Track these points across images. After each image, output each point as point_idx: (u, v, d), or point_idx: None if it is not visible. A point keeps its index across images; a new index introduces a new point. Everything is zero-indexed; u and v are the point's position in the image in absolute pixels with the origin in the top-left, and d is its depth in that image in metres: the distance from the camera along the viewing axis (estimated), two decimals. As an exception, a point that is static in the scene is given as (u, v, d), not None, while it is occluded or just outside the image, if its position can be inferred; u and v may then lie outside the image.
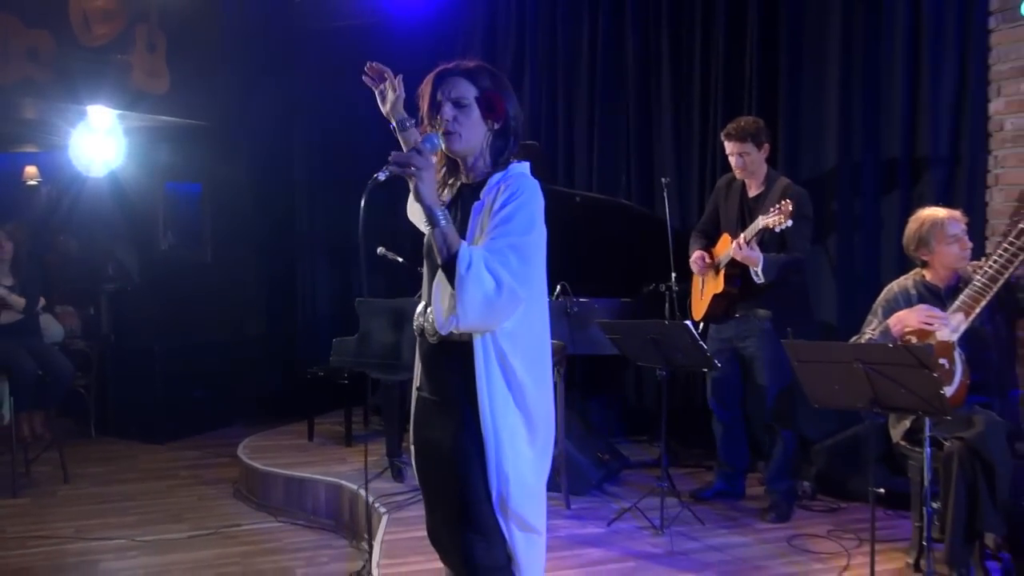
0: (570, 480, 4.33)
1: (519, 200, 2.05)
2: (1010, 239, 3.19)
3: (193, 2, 6.37)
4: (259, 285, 7.18)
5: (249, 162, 6.85)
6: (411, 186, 2.01)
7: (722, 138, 4.17)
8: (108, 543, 4.41)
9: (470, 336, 2.07)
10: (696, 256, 4.25)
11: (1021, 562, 3.19)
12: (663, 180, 4.70)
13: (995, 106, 4.43)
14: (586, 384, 5.52)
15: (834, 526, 4.01)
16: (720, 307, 4.16)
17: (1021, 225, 3.17)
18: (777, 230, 3.76)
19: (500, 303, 1.96)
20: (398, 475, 4.63)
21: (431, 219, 2.00)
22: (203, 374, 6.70)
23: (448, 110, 2.11)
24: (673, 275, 4.51)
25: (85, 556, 4.26)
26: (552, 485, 4.21)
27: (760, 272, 3.86)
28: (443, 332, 2.09)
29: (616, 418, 5.62)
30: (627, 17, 5.70)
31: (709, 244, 4.29)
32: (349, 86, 6.41)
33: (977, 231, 4.17)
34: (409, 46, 6.21)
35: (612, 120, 5.85)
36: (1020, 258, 3.17)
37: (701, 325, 4.23)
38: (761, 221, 3.79)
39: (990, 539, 3.33)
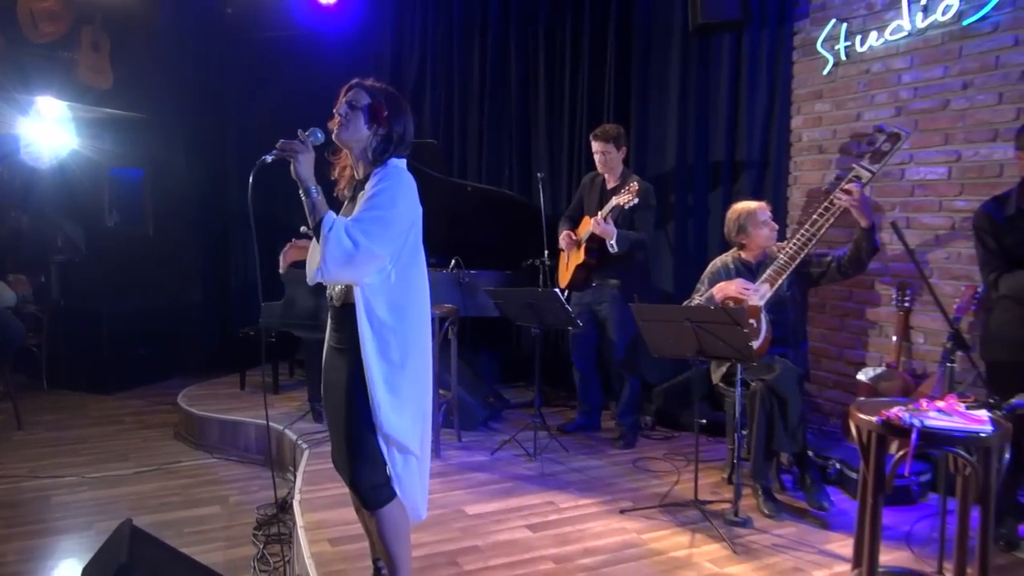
0: (461, 418, 4.34)
1: (385, 183, 2.16)
2: (805, 227, 3.35)
3: (135, 7, 5.96)
4: (196, 256, 6.86)
5: (186, 150, 6.51)
6: (291, 165, 2.12)
7: (590, 138, 4.21)
8: (60, 480, 4.16)
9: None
10: (563, 235, 4.31)
11: (803, 472, 3.38)
12: (539, 175, 4.72)
13: (795, 122, 4.64)
14: (476, 340, 5.53)
15: (669, 451, 4.15)
16: (581, 277, 4.23)
17: (814, 216, 3.34)
18: (627, 207, 3.87)
19: (358, 259, 2.07)
20: (318, 417, 4.53)
21: (305, 191, 2.12)
22: (145, 334, 6.36)
23: (343, 107, 2.22)
24: (546, 252, 4.55)
25: (39, 492, 4.00)
26: (447, 422, 4.28)
27: (614, 243, 3.95)
28: (311, 283, 2.23)
29: (500, 368, 5.65)
30: (511, 44, 5.66)
31: (574, 226, 4.36)
32: (273, 86, 6.20)
33: (780, 220, 4.38)
34: (325, 59, 6.01)
35: (497, 125, 5.81)
36: (813, 242, 3.34)
37: (566, 292, 4.30)
38: (614, 200, 3.91)
39: (784, 457, 3.53)
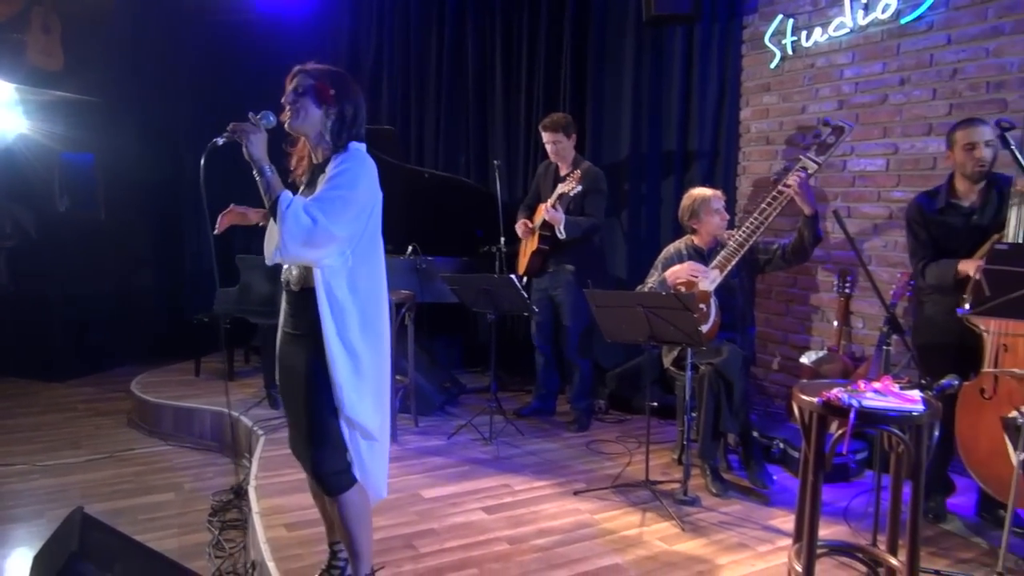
0: (418, 403, 4.32)
1: (345, 165, 2.10)
2: (754, 215, 3.39)
3: (86, -10, 5.75)
4: (149, 241, 6.66)
5: (139, 134, 6.29)
6: (243, 147, 2.06)
7: (540, 129, 4.21)
8: (11, 468, 4.02)
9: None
10: (520, 223, 4.30)
11: (748, 452, 3.44)
12: (495, 162, 4.70)
13: (744, 114, 4.69)
14: (433, 326, 5.51)
15: (621, 433, 4.20)
16: (537, 263, 4.24)
17: (762, 205, 3.39)
18: (571, 194, 3.89)
19: (316, 237, 2.01)
20: (274, 403, 4.46)
21: (259, 171, 2.06)
22: (98, 320, 6.17)
23: (290, 96, 2.15)
24: (502, 239, 4.54)
25: (-12, 481, 3.88)
26: (404, 408, 4.25)
27: (562, 229, 3.96)
28: (269, 263, 2.14)
29: (456, 353, 5.64)
30: (468, 32, 5.61)
31: (532, 215, 4.35)
32: (229, 71, 6.04)
33: (729, 208, 4.42)
34: (281, 45, 5.86)
35: (455, 113, 5.77)
36: (761, 229, 3.39)
37: (525, 279, 4.30)
38: (559, 188, 3.91)
39: (731, 438, 3.60)
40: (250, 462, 3.72)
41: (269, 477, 3.42)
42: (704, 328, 3.30)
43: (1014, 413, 2.50)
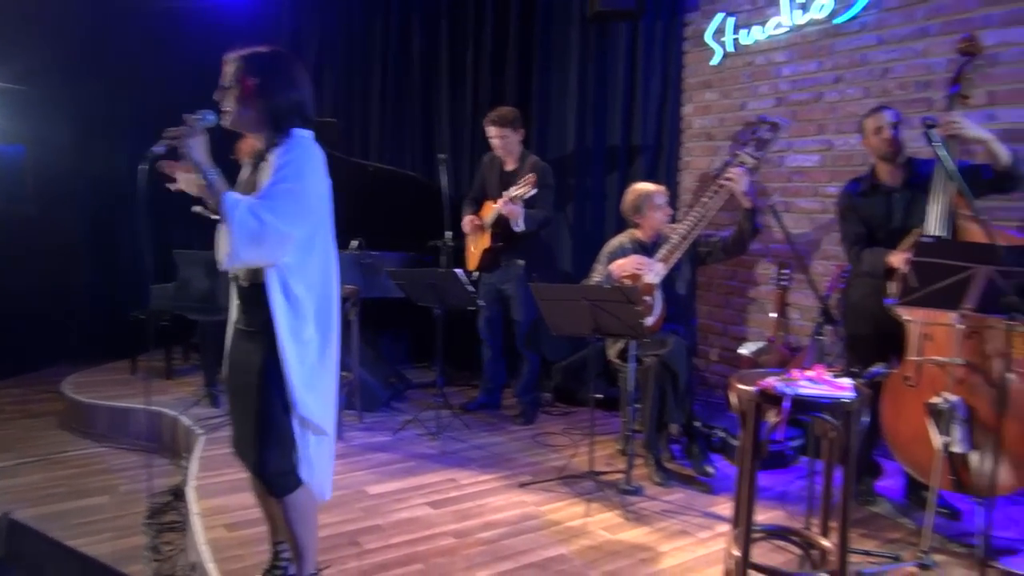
0: (363, 400, 4.28)
1: (290, 156, 2.01)
2: (696, 208, 3.46)
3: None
4: (83, 237, 6.39)
5: (72, 125, 6.04)
6: (182, 152, 1.96)
7: (486, 124, 4.19)
8: (-69, 475, 3.85)
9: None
10: (466, 220, 4.28)
11: (690, 441, 3.51)
12: (440, 156, 4.67)
13: (686, 109, 4.78)
14: (379, 322, 5.44)
15: (567, 425, 4.24)
16: (489, 259, 4.23)
17: (703, 199, 3.45)
18: (526, 197, 3.89)
19: (265, 239, 1.93)
20: (214, 402, 4.36)
21: (203, 175, 1.96)
22: (28, 318, 5.91)
23: (218, 93, 2.06)
24: (448, 233, 4.51)
25: (-94, 488, 3.68)
26: (349, 404, 4.20)
27: (520, 223, 3.96)
28: (223, 268, 2.03)
29: (403, 349, 5.60)
30: (413, 25, 5.57)
31: (477, 210, 4.34)
32: (168, 58, 5.85)
33: (672, 203, 4.49)
34: (221, 33, 5.70)
35: (400, 106, 5.72)
36: (703, 223, 3.45)
37: (475, 274, 4.29)
38: (513, 191, 3.90)
39: (674, 428, 3.66)
40: (189, 462, 3.63)
41: (209, 477, 3.34)
42: (650, 320, 3.35)
43: (936, 399, 2.62)
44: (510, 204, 3.92)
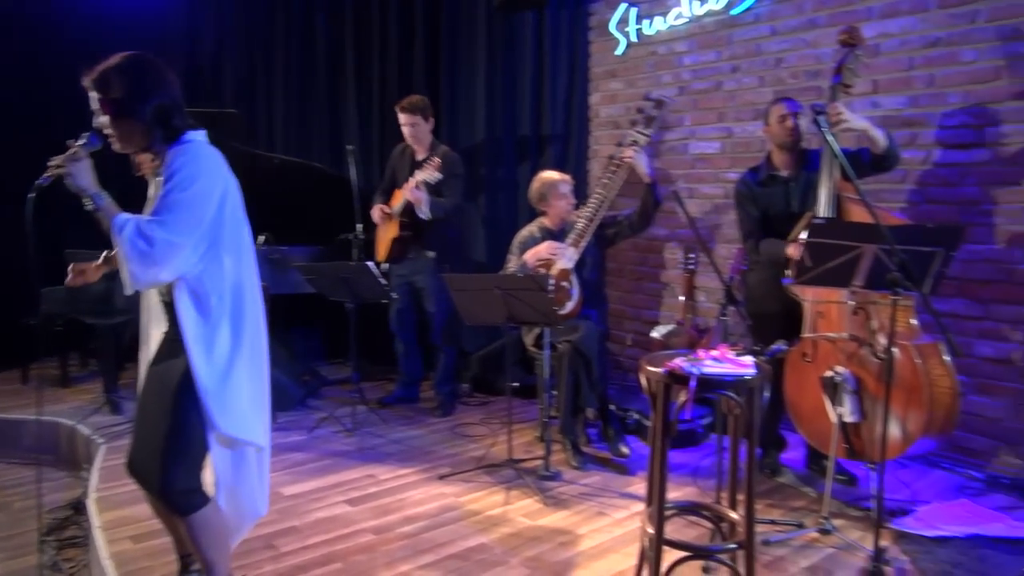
0: (276, 399, 4.07)
1: (177, 163, 1.93)
2: (597, 190, 3.52)
3: None
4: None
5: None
6: (66, 182, 1.89)
7: (397, 110, 4.13)
8: None
9: None
10: (375, 209, 4.22)
11: (606, 424, 3.59)
12: (348, 147, 4.58)
13: (593, 99, 4.85)
14: (290, 318, 5.29)
15: (486, 415, 4.24)
16: (397, 250, 4.18)
17: (603, 180, 3.51)
18: (432, 181, 3.86)
19: (159, 256, 1.86)
20: (115, 408, 4.14)
21: (91, 201, 1.90)
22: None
23: (94, 119, 1.96)
24: (359, 226, 4.43)
25: None
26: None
27: (426, 209, 3.92)
28: (128, 292, 1.94)
29: (317, 345, 5.48)
30: (316, 11, 5.42)
31: (388, 201, 4.28)
32: (50, 61, 5.43)
33: (582, 191, 4.57)
34: (108, 30, 5.32)
35: (305, 96, 5.56)
36: (606, 202, 3.50)
37: (385, 265, 4.24)
38: (419, 175, 3.87)
39: (590, 412, 3.73)
40: (89, 473, 3.44)
41: (112, 488, 3.18)
42: (569, 306, 3.40)
43: (830, 373, 2.77)
44: (415, 190, 3.88)
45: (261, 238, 4.37)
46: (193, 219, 1.91)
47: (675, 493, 3.12)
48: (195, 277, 1.95)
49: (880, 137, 2.93)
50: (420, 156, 4.14)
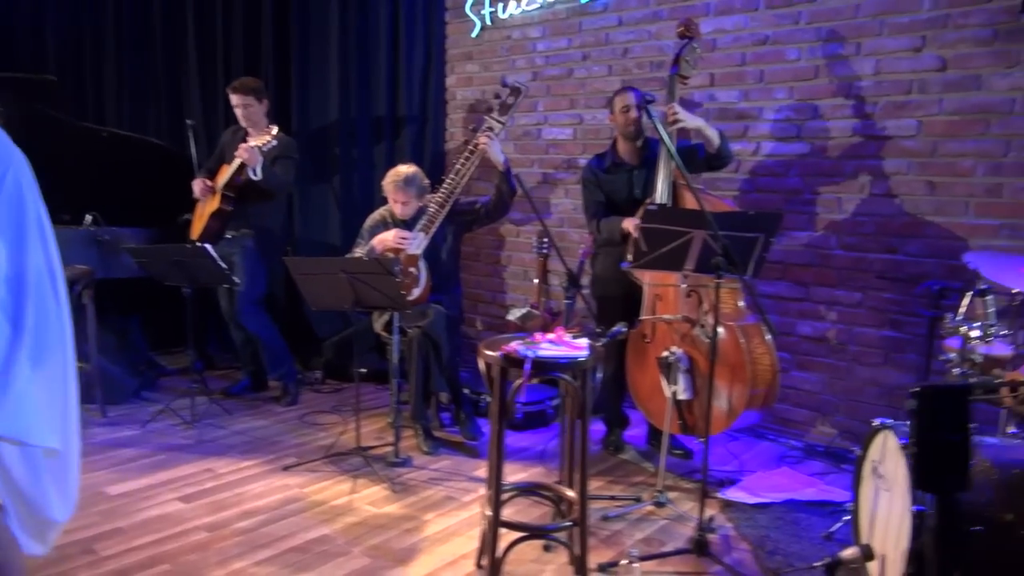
0: (105, 391, 3.84)
1: None
2: (450, 176, 3.48)
3: None
4: None
5: None
6: None
7: (228, 92, 3.91)
8: None
9: None
10: (197, 181, 3.97)
11: (458, 408, 3.60)
12: (188, 122, 4.29)
13: (450, 81, 4.80)
14: (127, 305, 4.90)
15: (338, 402, 4.12)
16: (215, 227, 3.92)
17: (456, 166, 3.48)
18: (265, 148, 3.70)
19: None
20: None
21: None
22: None
23: None
24: (200, 207, 4.17)
25: None
26: (87, 397, 3.75)
27: (258, 169, 3.71)
28: None
29: (158, 332, 5.11)
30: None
31: (212, 178, 4.03)
32: None
33: (440, 174, 4.51)
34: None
35: (142, 65, 5.16)
36: (458, 189, 3.48)
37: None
38: (252, 140, 3.72)
39: (444, 397, 3.72)
40: None
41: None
42: (416, 291, 3.35)
43: (665, 353, 2.90)
44: (251, 149, 3.68)
45: (88, 218, 4.01)
46: None
47: (522, 474, 3.17)
48: None
49: (714, 137, 3.08)
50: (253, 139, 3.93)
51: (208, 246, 3.46)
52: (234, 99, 3.85)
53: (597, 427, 3.61)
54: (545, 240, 4.23)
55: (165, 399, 4.00)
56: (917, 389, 0.96)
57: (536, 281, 4.32)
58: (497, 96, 3.46)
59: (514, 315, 4.29)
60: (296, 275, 3.14)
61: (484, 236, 4.66)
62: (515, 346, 2.13)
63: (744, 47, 3.59)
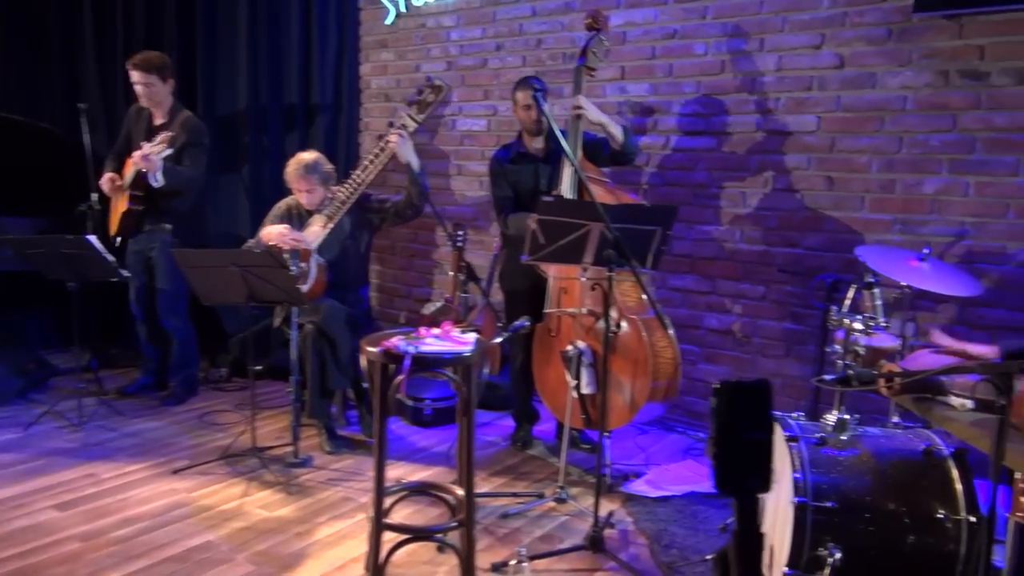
0: (-16, 393, 3.62)
1: None
2: (357, 171, 3.36)
3: None
4: None
5: None
6: None
7: (129, 68, 3.69)
8: None
9: None
10: (105, 179, 3.75)
11: (361, 405, 3.51)
12: (80, 106, 4.03)
13: (364, 69, 4.68)
14: (12, 300, 4.60)
15: (241, 401, 3.95)
16: (131, 223, 3.75)
17: (364, 162, 3.36)
18: (162, 156, 3.49)
19: None
20: None
21: None
22: None
23: None
24: (94, 196, 3.92)
25: None
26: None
27: (159, 176, 3.54)
28: None
29: (50, 329, 4.83)
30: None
31: (120, 167, 3.82)
32: None
33: (352, 164, 4.39)
34: None
35: (28, 42, 4.84)
36: (363, 186, 3.36)
37: (119, 240, 3.80)
38: (148, 148, 3.48)
39: (351, 393, 3.60)
40: None
41: None
42: (305, 287, 3.22)
43: (569, 346, 2.86)
44: (148, 156, 3.48)
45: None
46: None
47: (424, 473, 3.09)
48: None
49: (618, 133, 3.05)
50: (158, 120, 3.73)
51: (91, 237, 3.26)
52: (135, 76, 3.63)
53: (507, 423, 3.57)
54: (460, 232, 4.16)
55: (54, 401, 3.77)
56: (718, 385, 0.92)
57: (451, 274, 4.25)
58: (420, 91, 3.30)
59: (428, 309, 4.21)
60: (184, 268, 2.99)
61: (399, 229, 4.55)
62: (396, 342, 2.05)
63: (654, 41, 3.58)
